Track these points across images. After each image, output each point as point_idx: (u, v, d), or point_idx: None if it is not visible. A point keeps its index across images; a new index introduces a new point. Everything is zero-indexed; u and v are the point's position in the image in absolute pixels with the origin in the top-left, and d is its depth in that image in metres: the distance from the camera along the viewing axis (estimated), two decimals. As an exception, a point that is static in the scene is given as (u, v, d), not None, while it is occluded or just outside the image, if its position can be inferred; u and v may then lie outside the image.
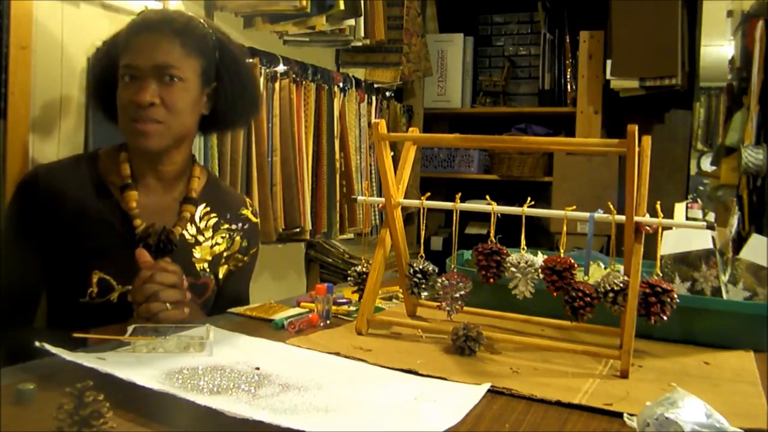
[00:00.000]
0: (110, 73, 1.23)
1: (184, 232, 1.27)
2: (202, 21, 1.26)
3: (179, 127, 1.22)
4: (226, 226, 1.34)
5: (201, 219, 1.30)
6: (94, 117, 1.64)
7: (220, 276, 1.33)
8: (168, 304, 1.04)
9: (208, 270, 1.29)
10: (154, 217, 1.23)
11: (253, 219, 1.40)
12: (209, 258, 1.30)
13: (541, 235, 3.08)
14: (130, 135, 1.20)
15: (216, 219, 1.33)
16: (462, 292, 0.99)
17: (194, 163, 1.33)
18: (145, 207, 1.23)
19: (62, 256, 1.20)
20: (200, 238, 1.29)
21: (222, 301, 1.33)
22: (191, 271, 1.25)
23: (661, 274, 0.93)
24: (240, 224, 1.36)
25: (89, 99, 1.31)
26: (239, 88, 1.29)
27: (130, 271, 1.08)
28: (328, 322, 1.09)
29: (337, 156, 2.59)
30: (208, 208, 1.32)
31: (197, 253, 1.28)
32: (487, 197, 1.05)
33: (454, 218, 1.00)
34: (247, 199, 1.44)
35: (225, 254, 1.33)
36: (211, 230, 1.31)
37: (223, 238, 1.33)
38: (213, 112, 1.29)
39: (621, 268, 0.91)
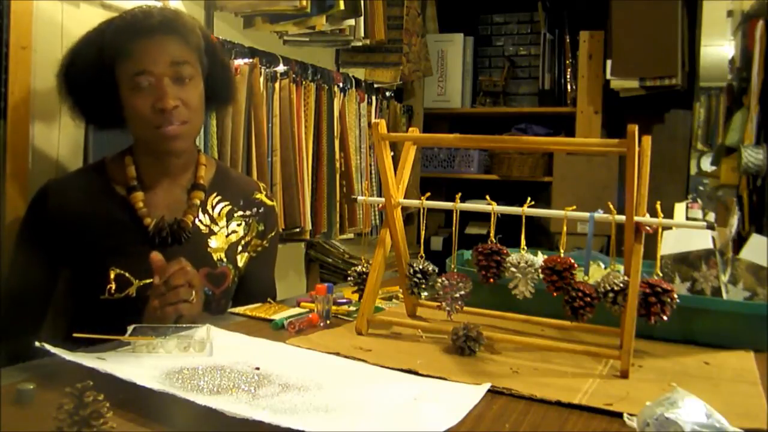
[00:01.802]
0: (99, 80, 1.22)
1: (198, 222, 1.28)
2: (184, 13, 1.29)
3: (199, 123, 1.27)
4: (240, 212, 1.34)
5: (213, 208, 1.31)
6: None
7: (240, 264, 1.34)
8: (193, 299, 1.04)
9: (225, 259, 1.30)
10: (165, 210, 1.25)
11: (268, 202, 1.40)
12: (225, 247, 1.30)
13: (541, 235, 3.08)
14: (156, 140, 1.21)
15: (229, 207, 1.33)
16: (462, 292, 0.99)
17: (199, 152, 1.34)
18: (155, 203, 1.26)
19: (80, 259, 1.22)
20: (214, 228, 1.30)
21: (247, 288, 1.34)
22: (208, 262, 1.27)
23: (661, 274, 0.93)
24: (254, 209, 1.37)
25: (72, 108, 1.29)
26: (223, 69, 1.34)
27: (147, 266, 1.09)
28: (328, 322, 1.09)
29: (337, 156, 2.59)
30: (220, 197, 1.33)
31: (213, 242, 1.29)
32: (487, 197, 1.05)
33: (454, 218, 1.00)
34: (261, 183, 1.44)
35: (242, 242, 1.34)
36: (224, 218, 1.32)
37: (238, 225, 1.33)
38: (207, 98, 1.31)
39: (621, 268, 0.91)
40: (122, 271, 1.19)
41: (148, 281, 1.15)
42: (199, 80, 1.25)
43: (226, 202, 1.33)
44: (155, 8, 1.25)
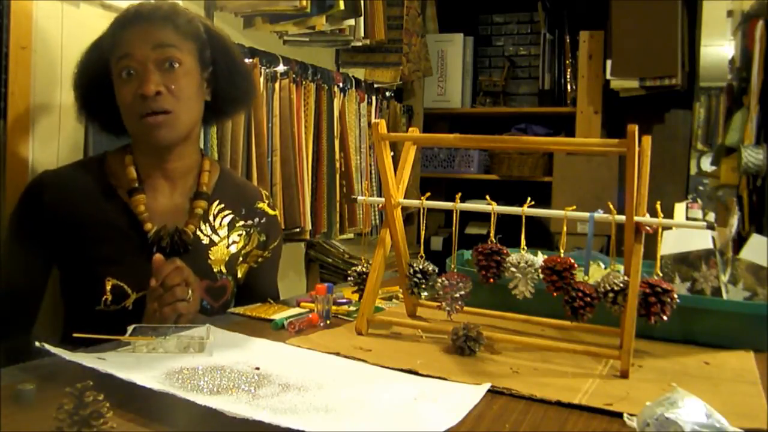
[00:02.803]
0: (102, 80, 1.21)
1: (199, 233, 1.24)
2: (184, 7, 1.26)
3: (188, 116, 1.20)
4: (242, 222, 1.31)
5: (215, 217, 1.27)
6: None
7: (239, 275, 1.31)
8: (189, 298, 1.04)
9: (225, 271, 1.26)
10: (166, 218, 1.21)
11: (271, 212, 1.37)
12: (226, 258, 1.27)
13: (541, 235, 3.08)
14: (140, 131, 1.18)
15: (231, 216, 1.29)
16: (462, 292, 0.99)
17: (203, 156, 1.30)
18: (156, 208, 1.21)
19: (74, 263, 1.19)
20: (215, 239, 1.26)
21: (249, 297, 1.30)
22: (208, 274, 1.23)
23: (661, 274, 0.93)
24: (257, 219, 1.33)
25: (80, 112, 1.29)
26: (234, 67, 1.28)
27: (144, 277, 1.06)
28: (328, 322, 1.09)
29: (337, 156, 2.59)
30: (222, 205, 1.29)
31: (213, 255, 1.25)
32: (487, 197, 1.05)
33: (454, 218, 1.00)
34: (264, 192, 1.40)
35: (242, 252, 1.30)
36: (226, 228, 1.28)
37: (239, 235, 1.29)
38: (214, 97, 1.27)
39: (621, 268, 0.91)
40: (119, 282, 1.15)
41: (145, 293, 1.10)
42: (193, 70, 1.20)
43: (228, 211, 1.29)
44: (150, 2, 1.23)
